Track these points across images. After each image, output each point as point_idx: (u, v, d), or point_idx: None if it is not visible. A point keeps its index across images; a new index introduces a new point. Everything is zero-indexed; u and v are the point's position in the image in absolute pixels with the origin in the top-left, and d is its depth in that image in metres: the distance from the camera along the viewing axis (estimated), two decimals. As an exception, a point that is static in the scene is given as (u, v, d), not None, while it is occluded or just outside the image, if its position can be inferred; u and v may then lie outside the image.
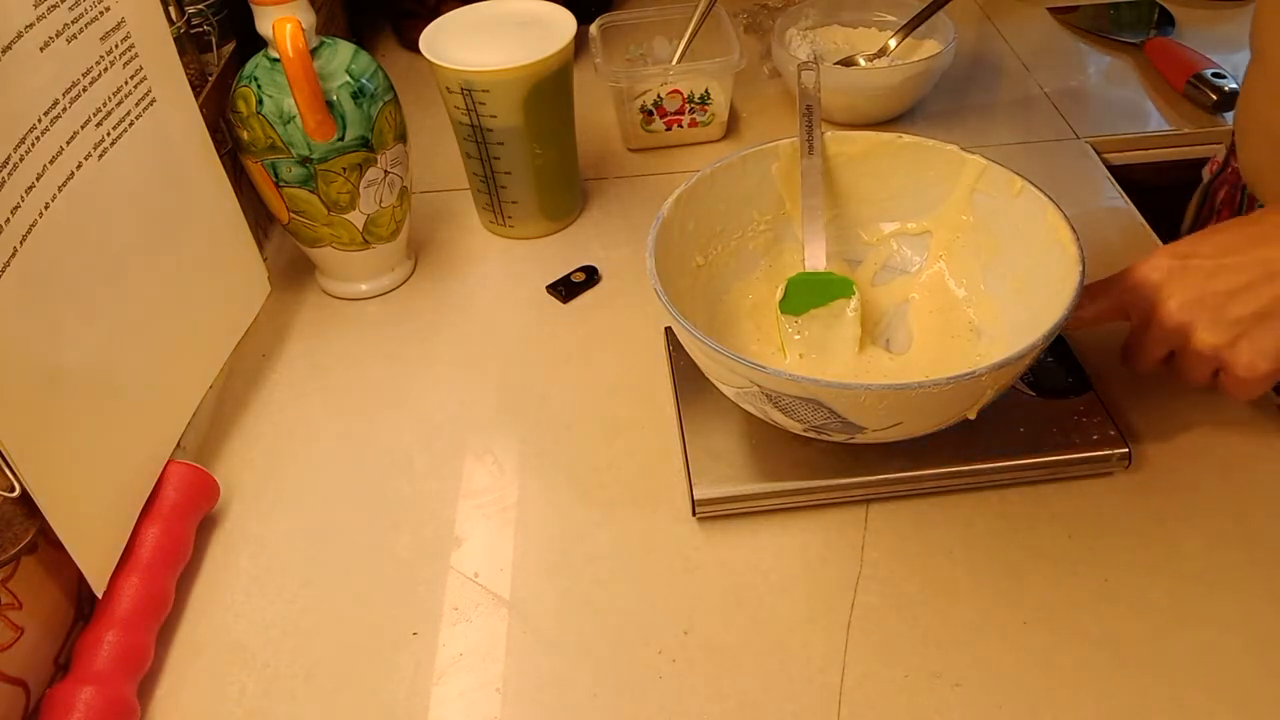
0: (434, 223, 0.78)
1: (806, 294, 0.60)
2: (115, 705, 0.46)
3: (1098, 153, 0.81)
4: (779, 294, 0.60)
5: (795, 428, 0.51)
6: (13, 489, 0.44)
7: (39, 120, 0.45)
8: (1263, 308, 0.49)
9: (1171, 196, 0.79)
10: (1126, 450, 0.54)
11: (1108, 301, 0.53)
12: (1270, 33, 0.61)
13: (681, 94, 0.81)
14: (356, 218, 0.66)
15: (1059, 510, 0.54)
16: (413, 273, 0.73)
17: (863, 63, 0.84)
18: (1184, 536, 0.52)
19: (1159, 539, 0.52)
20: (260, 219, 0.74)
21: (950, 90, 0.88)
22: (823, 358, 0.59)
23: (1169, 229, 0.74)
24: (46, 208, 0.46)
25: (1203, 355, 0.51)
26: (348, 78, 0.62)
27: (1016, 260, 0.58)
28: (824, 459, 0.55)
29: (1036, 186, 0.56)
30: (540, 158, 0.71)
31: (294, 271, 0.73)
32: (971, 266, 0.61)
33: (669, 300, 0.51)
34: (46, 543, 0.48)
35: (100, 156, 0.50)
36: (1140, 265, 0.52)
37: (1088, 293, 0.53)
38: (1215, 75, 0.83)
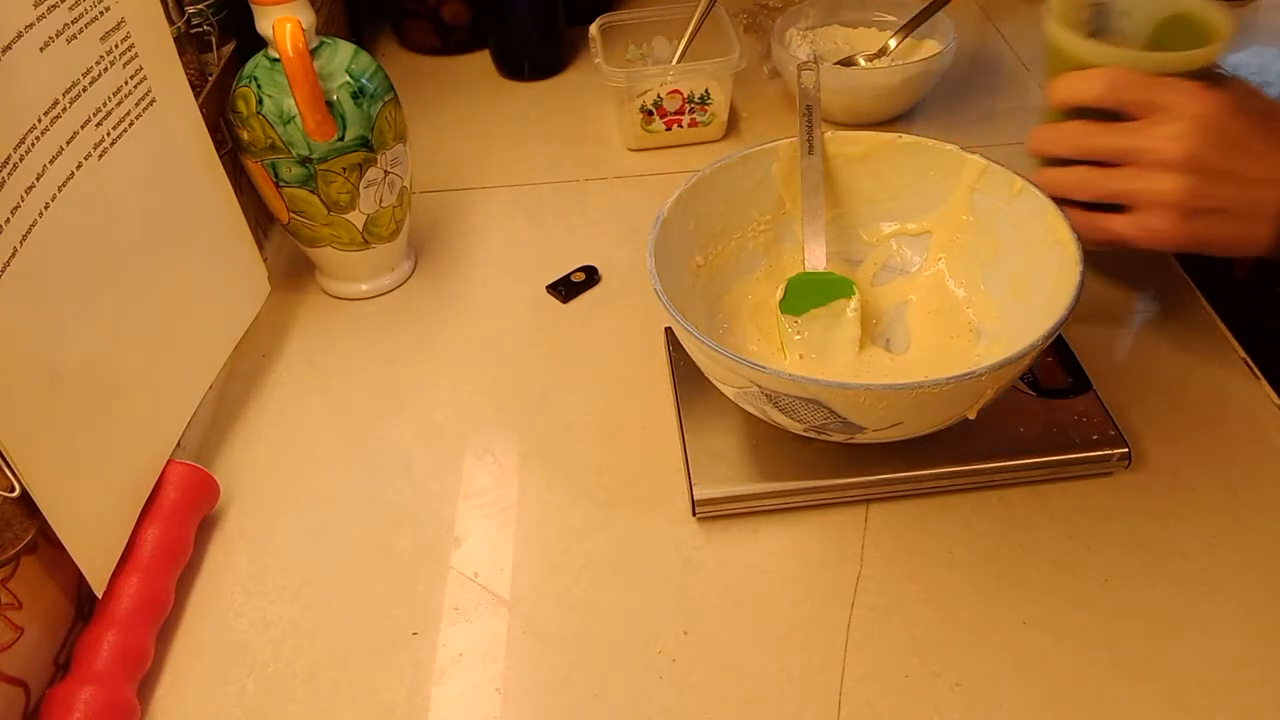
0: (434, 223, 0.78)
1: (806, 294, 0.60)
2: (115, 705, 0.46)
3: (1098, 153, 0.81)
4: (779, 294, 0.60)
5: (795, 428, 0.51)
6: (13, 489, 0.44)
7: (39, 120, 0.45)
8: (1227, 205, 0.52)
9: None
10: (1126, 450, 0.54)
11: (1134, 94, 0.53)
12: None
13: (681, 94, 0.81)
14: (356, 218, 0.66)
15: (1059, 510, 0.54)
16: (413, 273, 0.73)
17: (863, 63, 0.84)
18: (1184, 537, 0.52)
19: (1159, 539, 0.52)
20: (260, 219, 0.73)
21: (950, 90, 0.88)
22: (823, 358, 0.59)
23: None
24: (46, 208, 0.46)
25: (1151, 194, 0.53)
26: (348, 78, 0.62)
27: (1016, 260, 0.58)
28: (824, 459, 0.55)
29: (1036, 186, 0.56)
30: None
31: (294, 271, 0.73)
32: (971, 266, 0.61)
33: (669, 300, 0.51)
34: (46, 543, 0.48)
35: (100, 156, 0.50)
36: (1191, 96, 0.52)
37: (1124, 75, 0.54)
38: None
